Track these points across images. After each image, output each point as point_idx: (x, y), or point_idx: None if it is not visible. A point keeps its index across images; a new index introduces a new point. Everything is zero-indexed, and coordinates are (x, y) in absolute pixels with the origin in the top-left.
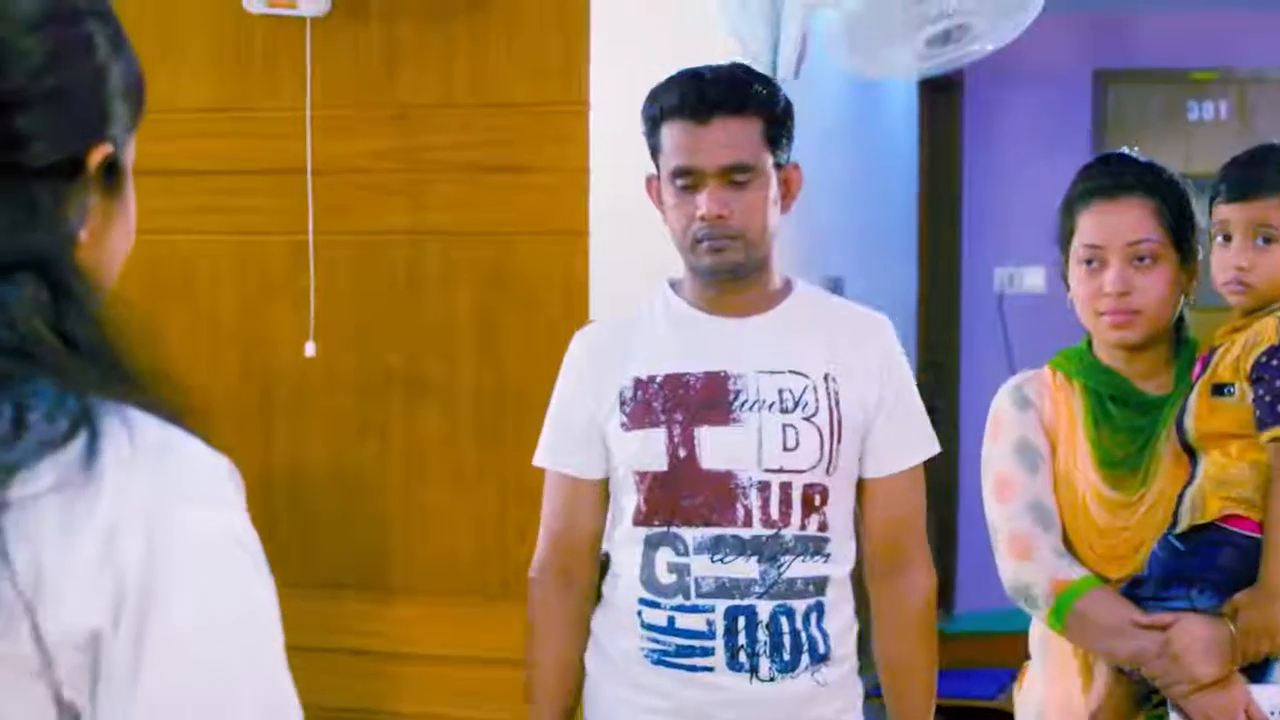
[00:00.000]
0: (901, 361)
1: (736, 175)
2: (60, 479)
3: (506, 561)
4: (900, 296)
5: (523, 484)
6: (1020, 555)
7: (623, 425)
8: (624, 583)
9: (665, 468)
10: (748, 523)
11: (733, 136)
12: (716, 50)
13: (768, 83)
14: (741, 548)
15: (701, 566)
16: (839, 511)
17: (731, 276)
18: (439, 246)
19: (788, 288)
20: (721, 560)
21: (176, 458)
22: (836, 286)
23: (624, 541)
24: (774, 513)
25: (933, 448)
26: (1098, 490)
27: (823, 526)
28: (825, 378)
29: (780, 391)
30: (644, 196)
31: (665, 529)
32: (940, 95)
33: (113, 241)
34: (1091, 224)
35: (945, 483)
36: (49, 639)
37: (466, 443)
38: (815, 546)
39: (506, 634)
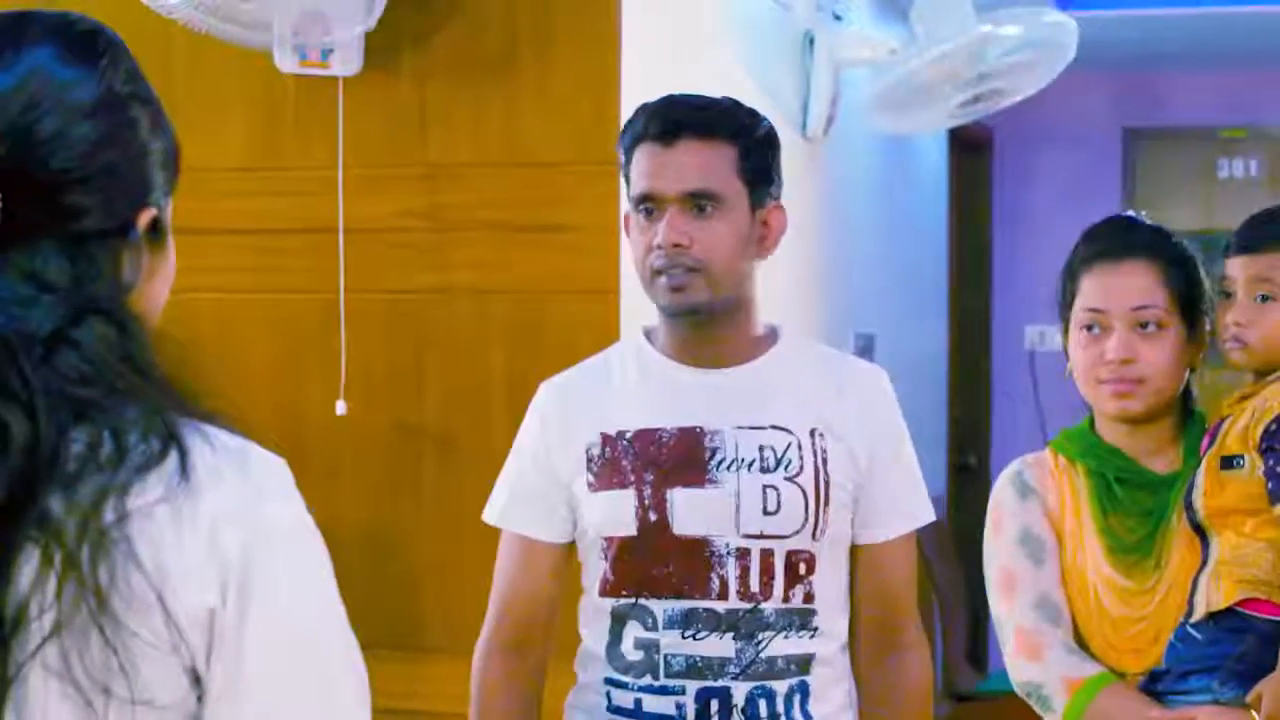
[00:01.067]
0: (897, 418)
1: (700, 201)
2: (167, 490)
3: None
4: (931, 354)
5: None
6: (1029, 654)
7: (589, 485)
8: (590, 660)
9: (634, 532)
10: (723, 595)
11: (698, 160)
12: None
13: (751, 114)
14: (716, 623)
15: (671, 643)
16: (828, 581)
17: (695, 320)
18: (470, 305)
19: (772, 336)
20: (693, 636)
21: (252, 462)
22: (867, 344)
23: (591, 614)
24: (753, 583)
25: (928, 514)
26: (1109, 579)
27: (809, 598)
28: (812, 434)
29: (761, 449)
30: None
31: (633, 601)
32: (970, 154)
33: (156, 288)
34: (1094, 287)
35: (977, 539)
36: (177, 620)
37: None
38: (800, 621)
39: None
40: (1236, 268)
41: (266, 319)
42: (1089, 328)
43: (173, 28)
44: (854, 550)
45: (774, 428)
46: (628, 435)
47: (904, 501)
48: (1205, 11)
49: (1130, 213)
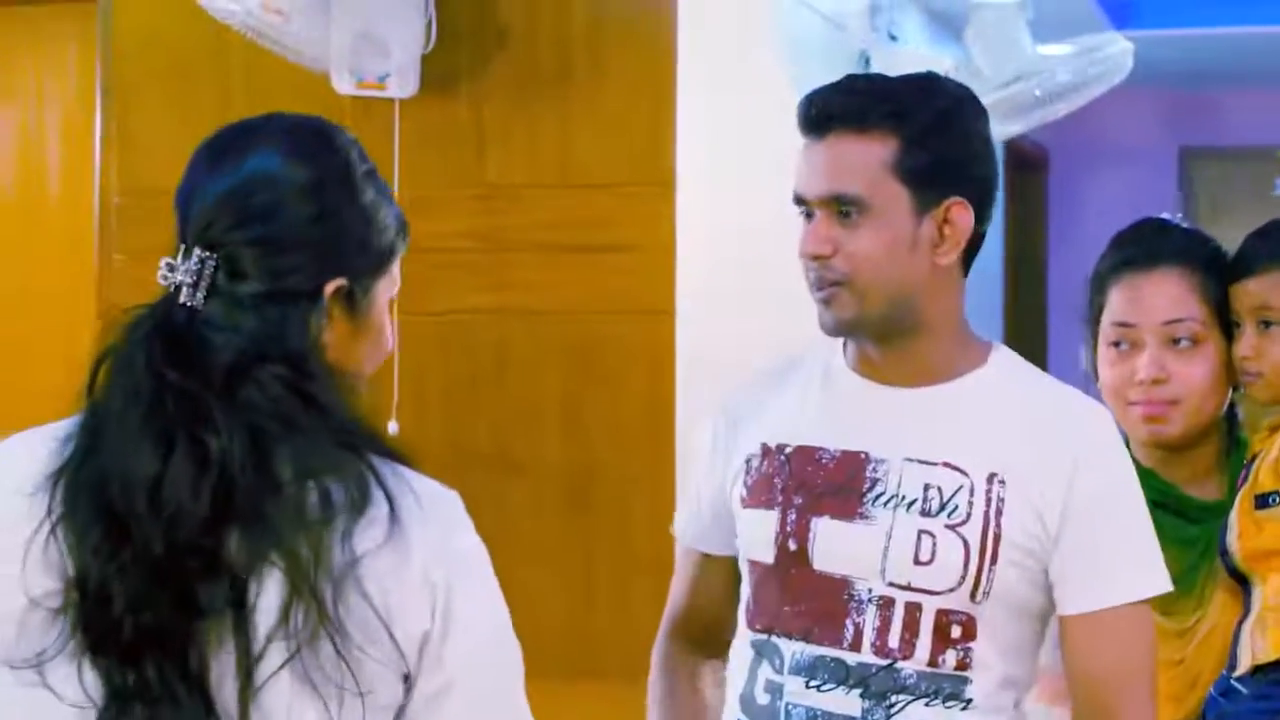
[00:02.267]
0: (1115, 470)
1: (843, 207)
2: (386, 535)
3: (593, 641)
4: None
5: (609, 562)
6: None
7: (741, 500)
8: (729, 695)
9: (770, 560)
10: (856, 646)
11: (840, 159)
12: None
13: (924, 93)
14: (843, 675)
15: (795, 691)
16: (993, 651)
17: (852, 335)
18: (525, 325)
19: (980, 356)
20: (817, 688)
21: (439, 501)
22: None
23: (738, 642)
24: (892, 639)
25: (1153, 585)
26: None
27: (962, 665)
28: (990, 478)
29: (926, 488)
30: (730, 274)
31: (766, 637)
32: (1026, 172)
33: (358, 349)
34: (1122, 300)
35: None
36: (402, 644)
37: (553, 521)
38: (950, 690)
39: (593, 712)
40: (1237, 296)
41: None
42: (1117, 344)
43: (230, 51)
44: (1061, 623)
45: (946, 465)
46: (788, 450)
47: (1113, 569)
48: (1261, 30)
49: (1164, 215)
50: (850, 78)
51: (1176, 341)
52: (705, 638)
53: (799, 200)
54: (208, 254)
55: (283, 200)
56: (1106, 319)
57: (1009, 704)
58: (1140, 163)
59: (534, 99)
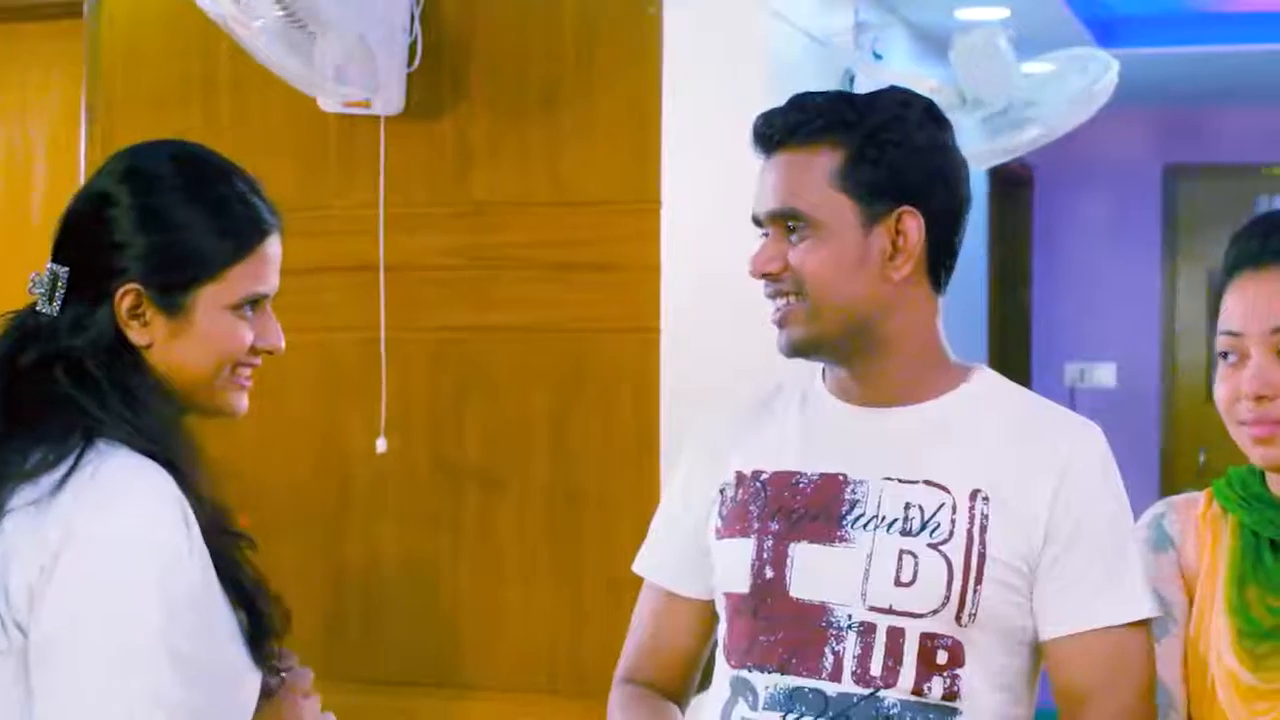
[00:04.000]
0: (1104, 489)
1: (788, 223)
2: (39, 495)
3: (579, 658)
4: None
5: (596, 581)
6: None
7: (716, 531)
8: None
9: (746, 589)
10: (835, 675)
11: (786, 176)
12: None
13: (868, 104)
14: (822, 707)
15: None
16: (983, 679)
17: (809, 356)
18: (511, 343)
19: (960, 376)
20: None
21: (118, 486)
22: None
23: (715, 684)
24: (874, 666)
25: (1134, 610)
26: (1231, 671)
27: (950, 695)
28: (973, 495)
29: (907, 507)
30: (716, 293)
31: (742, 671)
32: (1011, 191)
33: (180, 351)
34: (1233, 304)
35: None
36: (12, 593)
37: (539, 539)
38: (936, 719)
39: None
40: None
41: (308, 357)
42: (1225, 355)
43: (217, 70)
44: (1042, 648)
45: (927, 483)
46: (764, 476)
47: (1104, 591)
48: (1244, 49)
49: None
50: (800, 95)
51: None
52: (665, 686)
53: (755, 221)
54: (54, 267)
55: (85, 222)
56: (1219, 327)
57: None
58: (1125, 180)
59: (520, 117)
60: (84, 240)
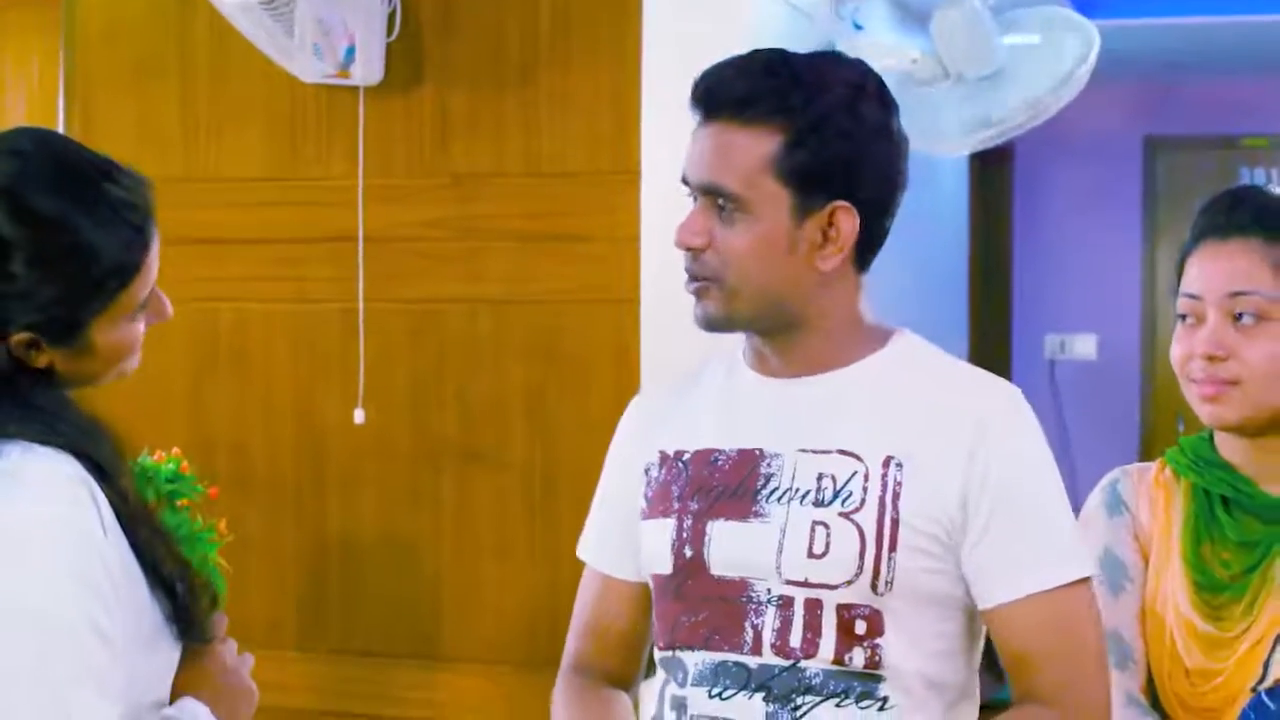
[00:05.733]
0: (1029, 450)
1: (718, 200)
2: None
3: (557, 631)
4: None
5: (572, 552)
6: None
7: (642, 511)
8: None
9: (669, 570)
10: (756, 649)
11: (721, 149)
12: None
13: (817, 86)
14: (745, 680)
15: (698, 702)
16: (907, 648)
17: (723, 331)
18: (490, 315)
19: (878, 342)
20: (719, 696)
21: (14, 480)
22: None
23: (656, 663)
24: (794, 638)
25: (1074, 569)
26: (1188, 622)
27: (873, 664)
28: (886, 462)
29: (820, 477)
30: None
31: (671, 653)
32: (991, 164)
33: (82, 366)
34: (1194, 270)
35: None
36: None
37: (517, 511)
38: (862, 690)
39: None
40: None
41: (286, 328)
42: (1183, 317)
43: (195, 43)
44: (984, 618)
45: (840, 452)
46: (685, 456)
47: (1034, 554)
48: (1226, 20)
49: (1255, 183)
50: (744, 57)
51: (1239, 317)
52: (611, 670)
53: (684, 182)
54: None
55: None
56: (1180, 291)
57: (938, 708)
58: (1104, 153)
59: (499, 87)
60: None
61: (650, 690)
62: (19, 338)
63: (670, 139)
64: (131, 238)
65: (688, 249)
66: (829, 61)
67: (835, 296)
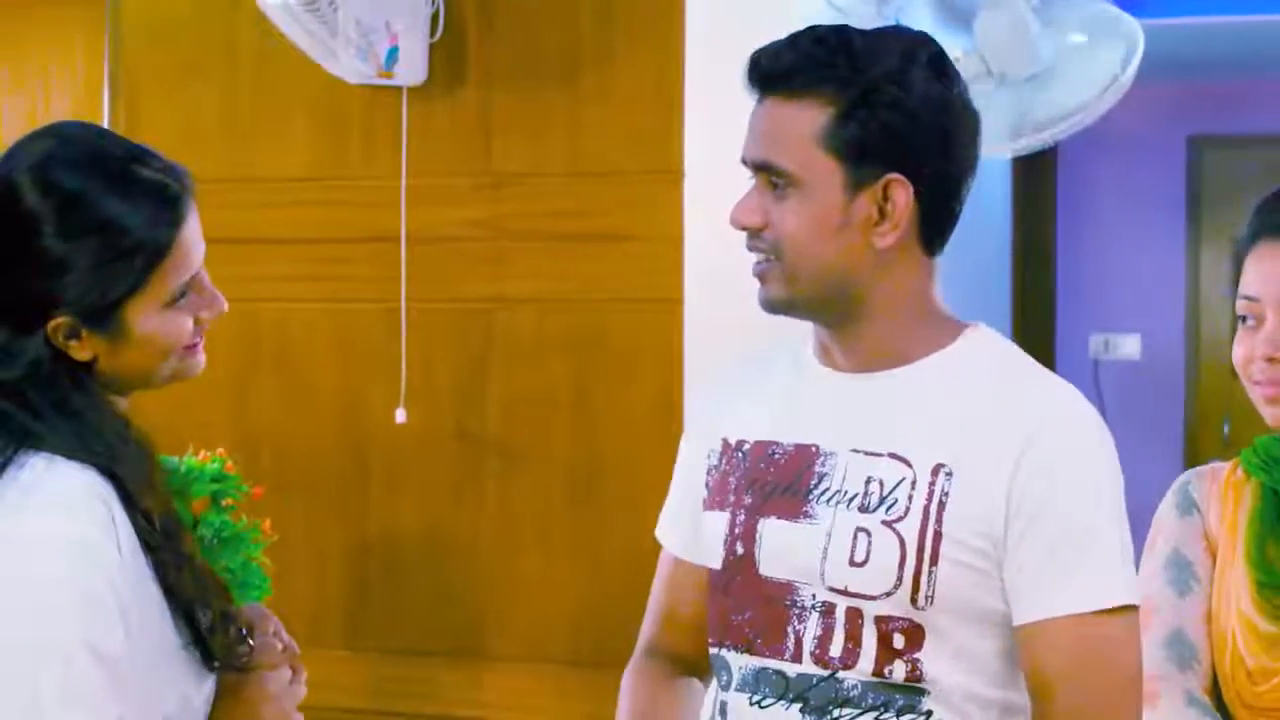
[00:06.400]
0: (1086, 464)
1: (771, 177)
2: None
3: (600, 628)
4: None
5: (616, 551)
6: (1145, 700)
7: (704, 502)
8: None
9: (720, 565)
10: (796, 656)
11: (773, 126)
12: None
13: (869, 55)
14: (783, 688)
15: (739, 709)
16: (950, 663)
17: (787, 314)
18: (533, 314)
19: (948, 337)
20: (759, 704)
21: (32, 493)
22: None
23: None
24: (834, 648)
25: (1109, 594)
26: (1250, 622)
27: (914, 677)
28: (935, 470)
29: (868, 481)
30: (738, 263)
31: (719, 650)
32: (1034, 164)
33: (126, 359)
34: (1252, 270)
35: None
36: None
37: (560, 509)
38: (904, 703)
39: (599, 701)
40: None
41: (328, 327)
42: (1243, 319)
43: (239, 42)
44: (1016, 634)
45: (891, 456)
46: (746, 446)
47: (1069, 574)
48: (1270, 19)
49: None
50: (797, 35)
51: None
52: (684, 653)
53: (743, 162)
54: None
55: (8, 248)
56: (1239, 292)
57: None
58: (1148, 152)
59: (542, 87)
60: (8, 270)
61: (708, 688)
62: (57, 322)
63: (713, 138)
64: (159, 215)
65: (743, 228)
66: (885, 32)
67: (899, 280)
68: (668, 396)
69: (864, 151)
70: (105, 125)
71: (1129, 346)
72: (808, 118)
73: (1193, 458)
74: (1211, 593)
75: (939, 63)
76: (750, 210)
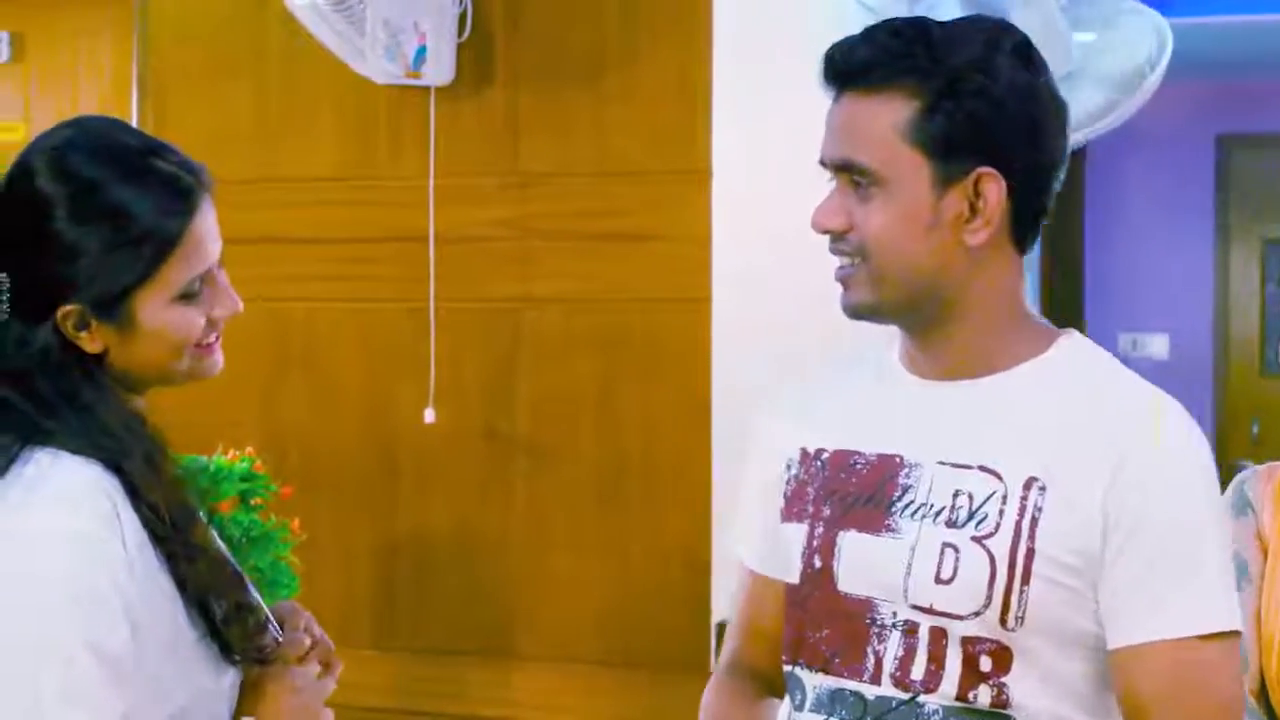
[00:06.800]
0: (1170, 478)
1: (854, 177)
2: None
3: (627, 627)
4: None
5: (644, 549)
6: None
7: (781, 513)
8: None
9: (797, 580)
10: (875, 678)
11: (853, 122)
12: None
13: (954, 43)
14: (860, 712)
15: None
16: (1038, 687)
17: (872, 319)
18: (560, 314)
19: (1042, 344)
20: None
21: (37, 488)
22: None
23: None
24: (915, 670)
25: (1209, 619)
26: None
27: (1000, 702)
28: (1028, 485)
29: (956, 495)
30: (766, 262)
31: (793, 668)
32: None
33: (136, 351)
34: None
35: None
36: None
37: (588, 508)
38: None
39: (627, 700)
40: None
41: (357, 327)
42: None
43: (267, 42)
44: (1109, 658)
45: (981, 469)
46: (825, 454)
47: (1168, 596)
48: None
49: None
50: (872, 28)
51: None
52: (765, 669)
53: (821, 163)
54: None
55: (20, 235)
56: None
57: None
58: (1177, 150)
59: (569, 87)
60: (19, 255)
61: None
62: (66, 310)
63: (740, 137)
64: (171, 205)
65: (825, 231)
66: (965, 21)
67: (991, 280)
68: (695, 396)
69: (952, 144)
70: (134, 124)
71: (1157, 346)
72: (889, 111)
73: (1222, 457)
74: (1260, 593)
75: (1024, 50)
76: (833, 212)
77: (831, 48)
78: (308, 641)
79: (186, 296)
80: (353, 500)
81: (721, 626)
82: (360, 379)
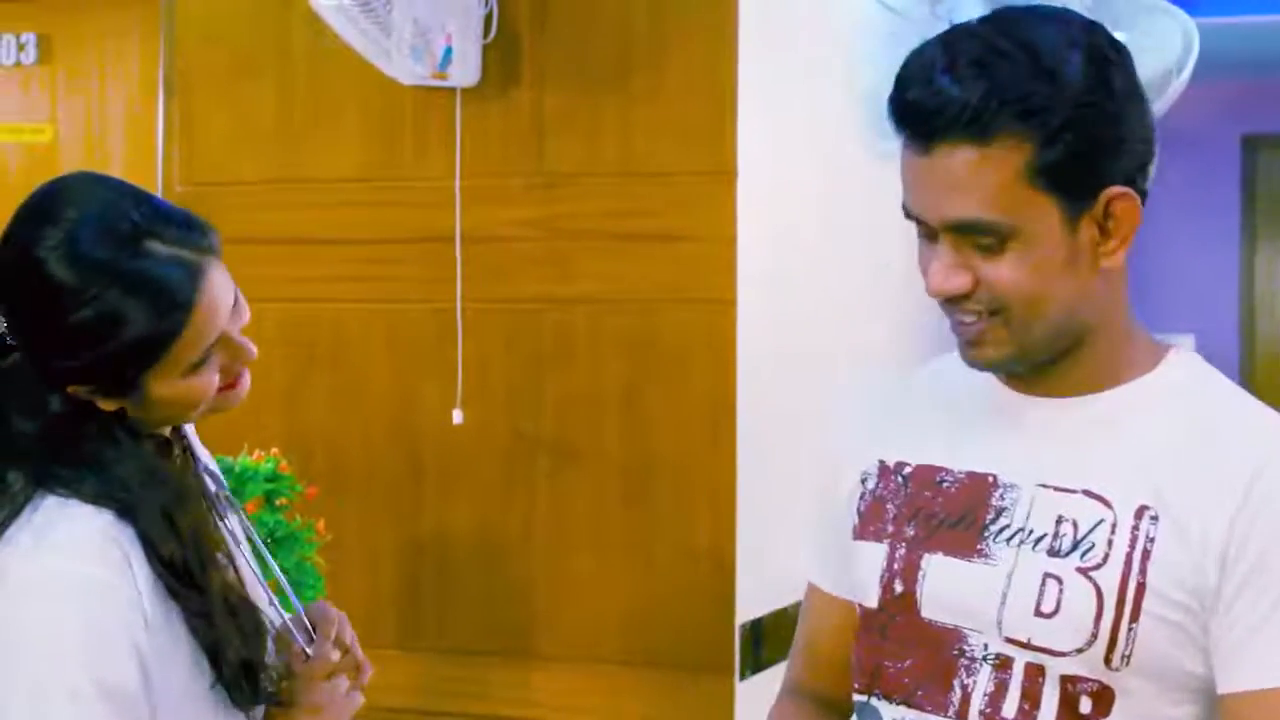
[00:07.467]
0: None
1: (976, 239)
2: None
3: (652, 629)
4: None
5: (668, 551)
6: None
7: (854, 529)
8: None
9: (874, 604)
10: (962, 714)
11: (961, 178)
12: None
13: (1054, 65)
14: None
15: None
16: None
17: (1012, 371)
18: (586, 315)
19: (1151, 360)
20: None
21: (44, 533)
22: None
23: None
24: (1007, 707)
25: None
26: None
27: None
28: (1139, 513)
29: (1059, 521)
30: (792, 264)
31: (866, 698)
32: None
33: (157, 411)
34: None
35: None
36: None
37: (613, 510)
38: None
39: (650, 702)
40: None
41: (383, 328)
42: None
43: (293, 44)
44: (1221, 703)
45: (1086, 494)
46: (907, 470)
47: None
48: None
49: None
50: (947, 58)
51: None
52: (828, 693)
53: (911, 215)
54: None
55: (33, 312)
56: None
57: None
58: (1202, 151)
59: (595, 87)
60: (30, 330)
61: None
62: (76, 388)
63: (767, 137)
64: (172, 300)
65: (950, 298)
66: (1041, 24)
67: (1114, 295)
68: (721, 397)
69: (1078, 176)
70: (160, 127)
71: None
72: (1006, 158)
73: None
74: None
75: (1114, 44)
76: (953, 274)
77: (913, 95)
78: (335, 656)
79: (195, 368)
80: (378, 501)
81: (745, 627)
82: (386, 380)
